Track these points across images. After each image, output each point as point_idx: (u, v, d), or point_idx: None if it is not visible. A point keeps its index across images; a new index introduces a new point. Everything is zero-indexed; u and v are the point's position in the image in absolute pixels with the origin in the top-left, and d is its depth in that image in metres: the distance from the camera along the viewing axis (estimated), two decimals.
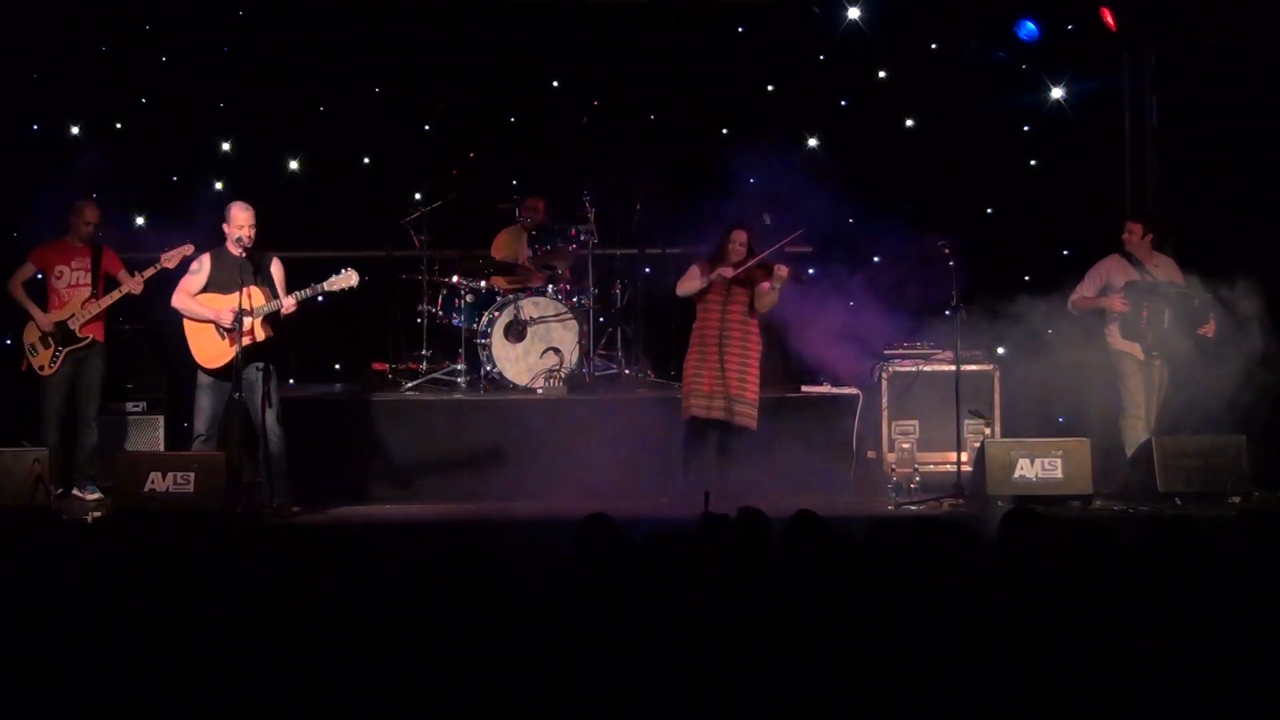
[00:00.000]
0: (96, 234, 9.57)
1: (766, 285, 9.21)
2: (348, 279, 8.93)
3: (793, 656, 4.00)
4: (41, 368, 9.41)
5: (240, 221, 8.92)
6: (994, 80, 11.30)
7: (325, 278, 8.97)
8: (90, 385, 9.52)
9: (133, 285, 9.35)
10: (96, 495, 9.44)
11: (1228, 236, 9.64)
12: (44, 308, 9.49)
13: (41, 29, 10.62)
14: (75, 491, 9.49)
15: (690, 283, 9.38)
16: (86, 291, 9.44)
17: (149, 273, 9.30)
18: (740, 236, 9.28)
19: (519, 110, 12.20)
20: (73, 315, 9.40)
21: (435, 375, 10.90)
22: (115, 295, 9.41)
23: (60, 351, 9.40)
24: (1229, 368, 9.35)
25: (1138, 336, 9.55)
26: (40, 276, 9.59)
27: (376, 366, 11.28)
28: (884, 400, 10.11)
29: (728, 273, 9.22)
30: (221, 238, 9.06)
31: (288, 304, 8.84)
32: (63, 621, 4.35)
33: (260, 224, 9.03)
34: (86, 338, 9.43)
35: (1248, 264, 9.39)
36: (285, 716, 3.89)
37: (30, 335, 9.45)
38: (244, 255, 8.88)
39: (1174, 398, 9.58)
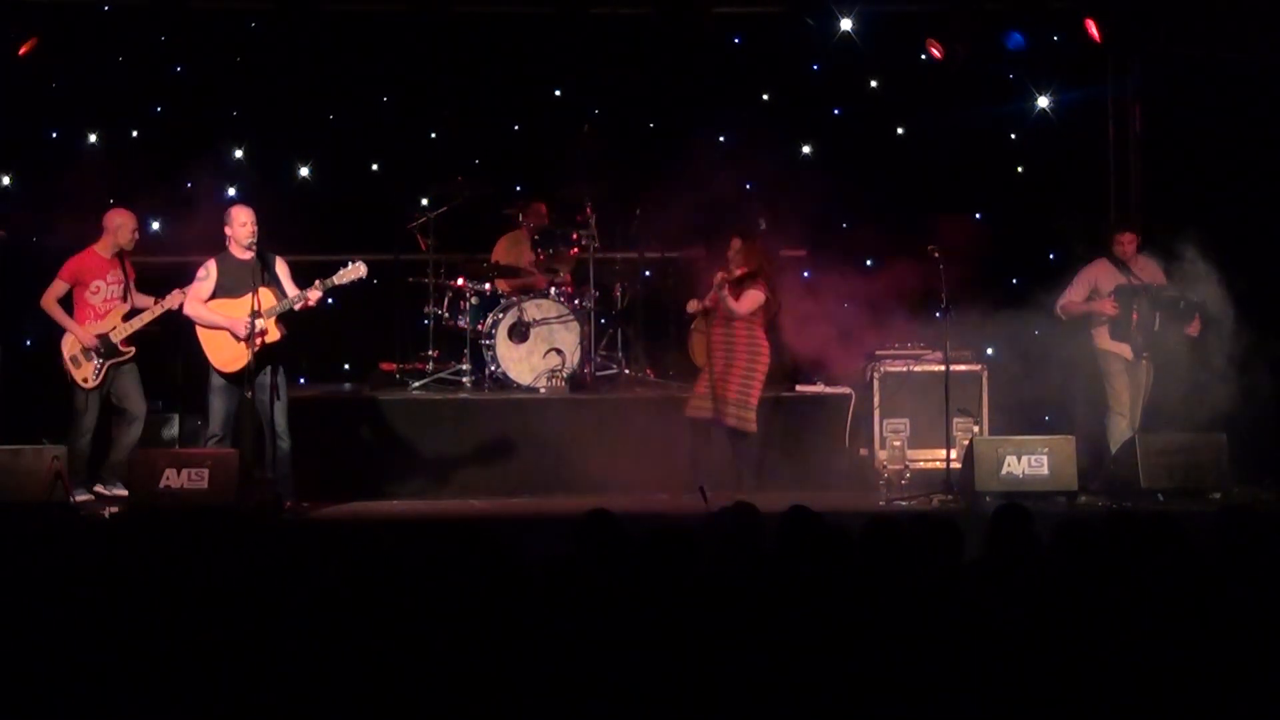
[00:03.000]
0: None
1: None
2: (356, 270, 8.82)
3: (788, 647, 4.05)
4: (85, 380, 9.17)
5: (244, 220, 8.86)
6: (982, 90, 11.38)
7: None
8: (135, 385, 9.28)
9: (171, 301, 9.12)
10: (120, 491, 9.18)
11: (1210, 242, 9.60)
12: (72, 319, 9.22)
13: (59, 39, 10.64)
14: (99, 488, 9.26)
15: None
16: (123, 305, 9.26)
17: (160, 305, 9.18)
18: (735, 243, 9.61)
19: (522, 118, 12.30)
20: (114, 328, 9.19)
21: (441, 375, 10.97)
22: (158, 311, 9.20)
23: (103, 365, 9.18)
24: (1211, 368, 9.40)
25: (1128, 338, 9.61)
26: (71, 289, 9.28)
27: (384, 366, 11.32)
28: (875, 399, 10.25)
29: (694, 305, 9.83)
30: (223, 242, 9.00)
31: (314, 295, 8.76)
32: (79, 613, 4.40)
33: (270, 227, 8.99)
34: (129, 350, 9.25)
35: (1229, 269, 9.44)
36: (295, 707, 3.92)
37: (70, 349, 9.21)
38: (253, 256, 8.77)
39: (1164, 395, 9.60)
